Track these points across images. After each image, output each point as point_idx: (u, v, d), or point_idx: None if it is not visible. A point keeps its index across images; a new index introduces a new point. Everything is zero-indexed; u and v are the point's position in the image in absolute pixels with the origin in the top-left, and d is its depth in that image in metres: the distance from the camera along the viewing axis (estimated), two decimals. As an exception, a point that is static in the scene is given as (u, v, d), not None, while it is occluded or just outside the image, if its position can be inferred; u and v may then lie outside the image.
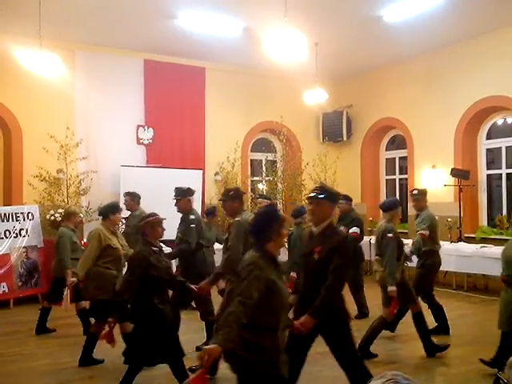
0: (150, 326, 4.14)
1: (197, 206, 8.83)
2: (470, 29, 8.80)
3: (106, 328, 4.56)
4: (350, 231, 6.71)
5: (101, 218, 5.66)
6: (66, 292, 6.01)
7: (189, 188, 6.10)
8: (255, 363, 2.89)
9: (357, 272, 7.12)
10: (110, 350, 4.71)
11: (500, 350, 4.24)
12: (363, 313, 7.00)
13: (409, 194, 6.65)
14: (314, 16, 8.11)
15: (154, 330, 4.12)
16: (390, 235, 5.27)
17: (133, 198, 7.49)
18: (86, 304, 5.98)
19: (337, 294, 3.64)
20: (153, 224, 4.39)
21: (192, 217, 6.01)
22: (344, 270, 3.65)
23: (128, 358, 4.22)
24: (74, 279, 5.68)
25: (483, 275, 8.31)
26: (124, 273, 4.78)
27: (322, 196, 3.69)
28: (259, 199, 7.94)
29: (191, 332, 5.79)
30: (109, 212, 5.54)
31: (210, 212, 8.08)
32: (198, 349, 5.77)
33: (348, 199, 7.44)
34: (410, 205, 10.71)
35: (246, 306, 2.83)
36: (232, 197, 4.94)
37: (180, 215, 5.93)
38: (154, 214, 4.50)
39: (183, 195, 6.06)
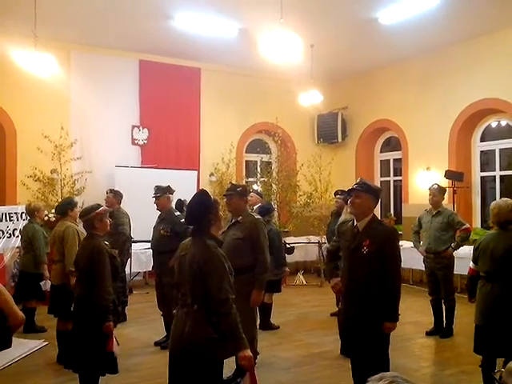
0: (94, 331, 3.83)
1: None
2: (464, 31, 8.85)
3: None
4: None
5: (59, 215, 5.80)
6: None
7: (168, 186, 6.17)
8: (223, 346, 2.96)
9: None
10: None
11: (478, 344, 4.27)
12: None
13: (428, 188, 6.73)
14: (310, 18, 8.13)
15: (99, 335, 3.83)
16: None
17: (115, 196, 7.39)
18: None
19: (400, 286, 3.70)
20: (101, 216, 4.13)
21: (177, 213, 6.13)
22: (399, 260, 3.71)
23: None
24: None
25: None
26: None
27: (361, 188, 3.75)
28: (251, 193, 7.84)
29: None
30: (67, 208, 5.63)
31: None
32: (156, 343, 5.89)
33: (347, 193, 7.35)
34: (404, 206, 10.82)
35: (233, 300, 2.91)
36: (240, 193, 4.70)
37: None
38: (99, 206, 4.24)
39: (163, 192, 6.13)
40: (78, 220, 5.22)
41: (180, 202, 7.03)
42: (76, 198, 6.15)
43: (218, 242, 3.09)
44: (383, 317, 3.63)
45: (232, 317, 2.86)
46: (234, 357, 2.94)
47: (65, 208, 5.68)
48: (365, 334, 3.68)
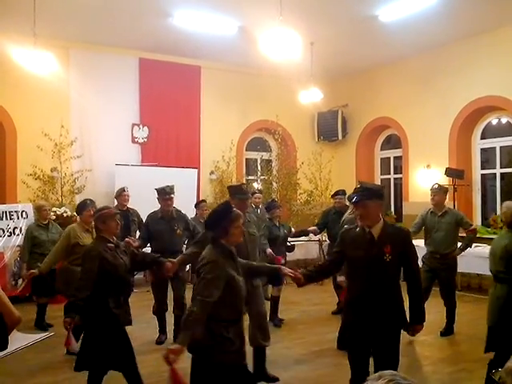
0: (101, 331, 3.83)
1: (192, 204, 8.86)
2: (464, 29, 8.83)
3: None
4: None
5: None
6: (21, 283, 6.63)
7: (173, 186, 6.23)
8: (222, 353, 3.06)
9: None
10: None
11: (488, 344, 4.25)
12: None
13: (430, 188, 6.61)
14: (310, 15, 8.11)
15: (106, 335, 3.82)
16: None
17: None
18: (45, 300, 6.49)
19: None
20: (104, 218, 4.02)
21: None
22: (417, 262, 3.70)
23: (79, 365, 3.95)
24: (35, 271, 5.87)
25: (477, 274, 8.33)
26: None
27: (365, 197, 3.45)
28: (256, 194, 7.97)
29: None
30: (77, 213, 5.95)
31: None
32: (157, 342, 6.04)
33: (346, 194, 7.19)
34: (404, 204, 10.81)
35: (206, 304, 3.01)
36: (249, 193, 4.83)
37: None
38: (107, 207, 4.21)
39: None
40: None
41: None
42: (88, 201, 6.09)
43: (224, 250, 3.21)
44: (412, 320, 3.53)
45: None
46: None
47: (77, 212, 6.06)
48: (386, 342, 3.47)
